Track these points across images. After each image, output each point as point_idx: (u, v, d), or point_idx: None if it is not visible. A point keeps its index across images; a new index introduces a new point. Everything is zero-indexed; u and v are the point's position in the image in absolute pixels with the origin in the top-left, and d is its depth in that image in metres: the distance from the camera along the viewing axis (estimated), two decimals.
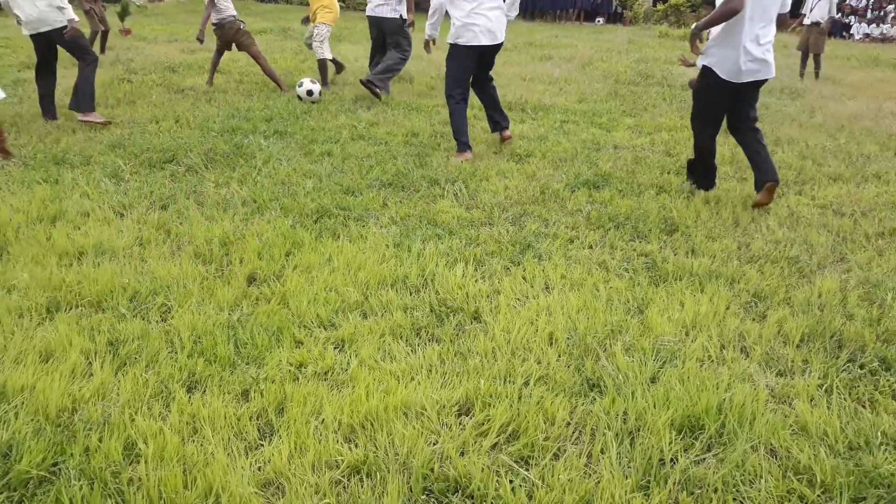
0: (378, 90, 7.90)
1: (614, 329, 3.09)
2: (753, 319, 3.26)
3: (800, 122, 7.72)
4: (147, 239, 3.91)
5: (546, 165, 5.64)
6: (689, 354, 2.89)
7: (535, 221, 4.38)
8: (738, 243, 4.13)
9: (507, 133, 6.33)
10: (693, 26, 4.67)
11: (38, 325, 3.01)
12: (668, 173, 5.51)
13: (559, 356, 2.88)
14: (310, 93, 7.79)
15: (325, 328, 3.07)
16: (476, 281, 3.55)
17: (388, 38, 8.29)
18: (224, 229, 4.01)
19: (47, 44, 6.30)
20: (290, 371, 2.72)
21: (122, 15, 13.75)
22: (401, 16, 8.12)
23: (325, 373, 2.73)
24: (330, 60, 8.87)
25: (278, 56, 11.19)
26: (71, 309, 3.15)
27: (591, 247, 4.04)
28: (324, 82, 8.72)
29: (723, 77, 4.54)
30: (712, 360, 2.90)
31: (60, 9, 5.99)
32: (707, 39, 4.81)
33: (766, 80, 4.63)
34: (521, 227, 4.28)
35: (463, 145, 5.83)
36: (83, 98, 6.38)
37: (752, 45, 4.46)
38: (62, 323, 2.98)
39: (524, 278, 3.60)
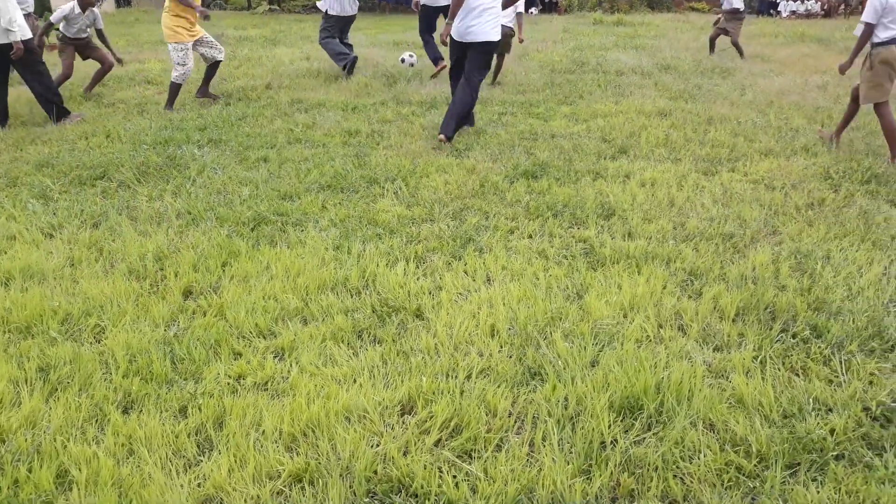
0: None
1: (554, 316, 3.11)
2: (690, 297, 3.32)
3: (731, 101, 7.90)
4: (78, 259, 3.79)
5: (485, 158, 5.66)
6: (627, 336, 2.93)
7: (475, 215, 4.39)
8: (674, 223, 4.20)
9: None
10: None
11: None
12: (605, 159, 5.58)
13: (501, 347, 2.89)
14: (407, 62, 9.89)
15: (264, 337, 3.02)
16: (418, 278, 3.54)
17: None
18: (158, 244, 3.92)
19: None
20: (228, 384, 2.67)
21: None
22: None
23: (265, 383, 2.69)
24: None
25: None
26: None
27: (530, 236, 4.07)
28: (170, 103, 7.72)
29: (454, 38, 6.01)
30: (650, 340, 2.94)
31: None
32: None
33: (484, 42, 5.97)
34: (462, 222, 4.28)
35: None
36: None
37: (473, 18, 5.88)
38: None
39: (465, 272, 3.61)
